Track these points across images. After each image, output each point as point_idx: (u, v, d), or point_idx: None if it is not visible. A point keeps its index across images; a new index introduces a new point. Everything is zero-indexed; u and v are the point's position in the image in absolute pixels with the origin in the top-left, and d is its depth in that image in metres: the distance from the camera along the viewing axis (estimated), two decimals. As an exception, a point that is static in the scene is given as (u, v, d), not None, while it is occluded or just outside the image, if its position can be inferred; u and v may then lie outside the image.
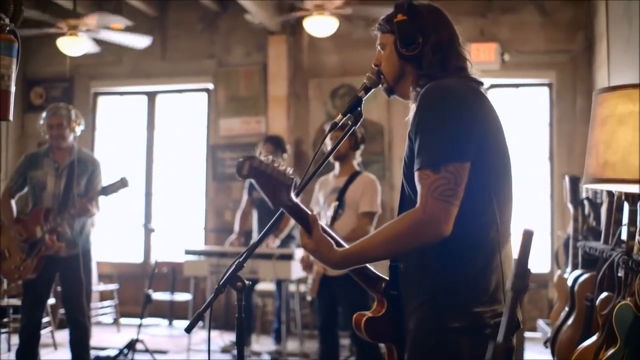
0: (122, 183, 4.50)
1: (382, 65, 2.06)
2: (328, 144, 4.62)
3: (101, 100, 8.50)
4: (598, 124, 1.99)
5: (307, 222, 1.92)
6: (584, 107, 6.89)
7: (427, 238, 1.76)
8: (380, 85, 2.11)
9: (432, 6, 2.05)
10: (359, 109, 2.11)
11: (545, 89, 7.30)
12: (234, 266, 2.03)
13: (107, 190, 4.50)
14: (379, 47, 2.08)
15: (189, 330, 2.14)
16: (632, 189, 2.19)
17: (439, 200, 1.73)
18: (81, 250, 4.56)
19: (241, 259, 2.05)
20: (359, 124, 2.14)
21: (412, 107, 1.96)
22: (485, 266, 1.82)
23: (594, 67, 6.78)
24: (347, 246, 1.91)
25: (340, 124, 2.13)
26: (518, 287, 1.14)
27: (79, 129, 4.63)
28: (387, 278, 2.00)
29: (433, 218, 1.73)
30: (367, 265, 2.00)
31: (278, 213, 2.12)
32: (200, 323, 7.14)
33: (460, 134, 1.78)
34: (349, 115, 2.12)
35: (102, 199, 4.55)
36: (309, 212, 1.95)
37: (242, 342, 2.08)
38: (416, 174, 1.79)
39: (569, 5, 7.05)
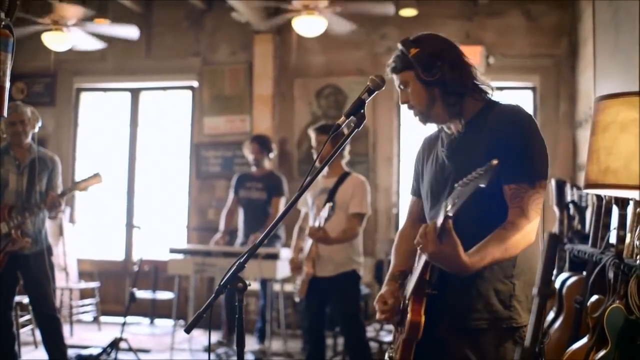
0: (96, 178, 4.50)
1: (411, 100, 2.20)
2: (313, 144, 4.65)
3: (84, 96, 8.40)
4: (599, 130, 2.01)
5: (444, 226, 1.89)
6: (566, 111, 6.98)
7: (527, 244, 2.01)
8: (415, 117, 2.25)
9: (429, 34, 2.24)
10: (362, 111, 2.14)
11: (529, 93, 7.37)
12: (234, 267, 2.04)
13: (80, 186, 4.53)
14: (401, 87, 2.21)
15: (188, 330, 2.13)
16: (635, 194, 2.23)
17: (536, 212, 1.99)
18: (45, 245, 4.55)
19: (242, 260, 2.05)
20: (362, 125, 2.15)
21: (453, 125, 2.20)
22: (534, 266, 2.09)
23: (577, 72, 6.86)
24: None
25: (343, 126, 2.15)
26: (544, 292, 1.16)
27: (37, 126, 4.61)
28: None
29: (534, 227, 1.99)
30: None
31: (280, 214, 2.11)
32: (181, 322, 7.06)
33: (545, 154, 2.03)
34: (351, 117, 2.14)
35: (75, 194, 4.54)
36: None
37: (242, 342, 2.08)
38: (511, 187, 2.00)
39: (553, 10, 7.12)
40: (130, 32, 6.48)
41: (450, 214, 1.82)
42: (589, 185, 2.04)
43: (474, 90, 2.14)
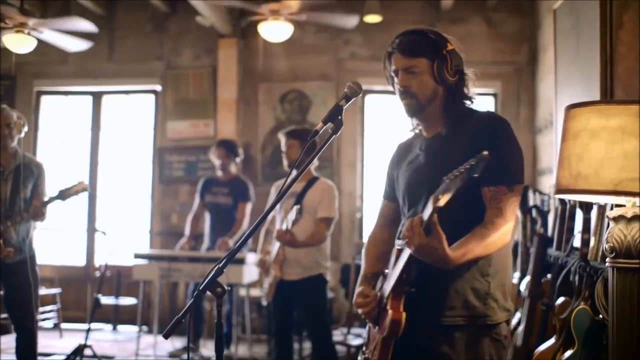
0: (80, 187, 4.42)
1: (414, 87, 2.21)
2: (283, 148, 4.66)
3: (44, 100, 8.26)
4: (570, 137, 2.08)
5: (431, 219, 1.94)
6: (527, 117, 7.14)
7: (504, 243, 2.10)
8: (404, 106, 2.27)
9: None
10: (339, 117, 2.16)
11: (491, 99, 7.50)
12: (213, 272, 2.04)
13: (64, 194, 4.40)
14: (409, 70, 2.21)
15: (167, 336, 2.12)
16: (605, 199, 2.30)
17: (512, 214, 2.06)
18: (28, 254, 4.44)
19: (221, 265, 2.06)
20: (340, 132, 2.18)
21: (433, 127, 2.26)
22: (508, 265, 2.23)
23: (537, 79, 7.02)
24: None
25: (321, 132, 2.16)
26: (535, 293, 1.20)
27: (23, 131, 4.53)
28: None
29: (510, 228, 2.07)
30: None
31: (256, 222, 2.12)
32: (144, 328, 6.95)
33: (522, 160, 2.14)
34: (329, 123, 2.17)
35: (56, 203, 4.44)
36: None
37: (221, 348, 2.08)
38: (491, 188, 2.08)
39: (514, 18, 7.28)
40: (80, 45, 6.39)
41: (441, 205, 1.86)
42: (561, 190, 2.10)
43: (469, 99, 2.25)
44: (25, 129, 4.55)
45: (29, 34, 6.04)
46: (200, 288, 2.03)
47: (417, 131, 2.39)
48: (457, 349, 2.11)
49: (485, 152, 1.76)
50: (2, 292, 4.59)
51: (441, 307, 2.12)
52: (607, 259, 2.13)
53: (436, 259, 1.97)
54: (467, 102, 2.26)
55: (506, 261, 2.20)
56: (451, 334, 2.12)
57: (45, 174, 4.61)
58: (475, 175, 1.77)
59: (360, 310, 2.33)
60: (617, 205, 2.17)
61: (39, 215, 4.35)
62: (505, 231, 2.05)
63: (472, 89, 2.27)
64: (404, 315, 2.09)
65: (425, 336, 2.15)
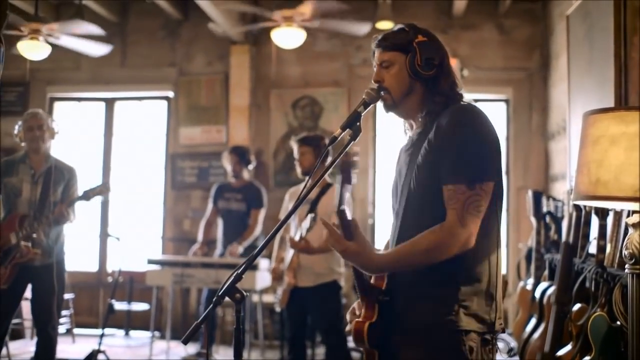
0: (104, 187, 4.45)
1: (387, 82, 2.14)
2: (296, 155, 4.66)
3: (57, 106, 8.32)
4: (589, 144, 2.08)
5: (349, 226, 1.92)
6: (539, 123, 7.13)
7: (460, 249, 1.89)
8: (380, 101, 2.19)
9: (429, 30, 2.19)
10: (358, 124, 2.15)
11: (503, 105, 7.50)
12: (232, 278, 2.04)
13: (89, 195, 4.43)
14: (383, 65, 2.15)
15: (186, 341, 2.13)
16: (625, 206, 2.30)
17: (473, 215, 1.88)
18: (55, 259, 4.47)
19: (239, 271, 2.06)
20: (358, 138, 2.17)
21: (414, 124, 2.15)
22: (492, 274, 1.99)
23: (549, 85, 7.01)
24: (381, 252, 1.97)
25: (339, 138, 2.16)
26: (562, 299, 1.20)
27: (56, 136, 4.60)
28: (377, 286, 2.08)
29: (468, 231, 1.87)
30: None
31: (274, 229, 2.12)
32: (157, 333, 6.98)
33: (491, 154, 1.95)
34: (347, 129, 2.16)
35: (81, 204, 4.48)
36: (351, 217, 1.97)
37: (240, 352, 2.09)
38: (448, 187, 1.92)
39: (525, 25, 7.27)
40: (100, 49, 6.44)
41: (337, 210, 1.90)
42: (580, 197, 2.10)
43: (456, 99, 2.09)
44: (59, 134, 4.62)
45: (45, 40, 6.08)
46: (220, 294, 2.03)
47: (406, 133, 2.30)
48: (421, 354, 2.02)
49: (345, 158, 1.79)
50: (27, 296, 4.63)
51: (409, 314, 2.03)
52: (627, 266, 2.13)
53: (361, 264, 1.94)
54: (451, 97, 2.09)
55: (484, 268, 1.98)
56: (415, 340, 2.03)
57: (78, 179, 4.65)
58: (328, 181, 1.79)
59: (348, 327, 2.30)
60: (636, 212, 2.16)
61: (63, 216, 4.38)
62: (459, 234, 1.87)
63: (460, 85, 2.12)
64: (365, 325, 2.01)
65: (398, 343, 2.06)
